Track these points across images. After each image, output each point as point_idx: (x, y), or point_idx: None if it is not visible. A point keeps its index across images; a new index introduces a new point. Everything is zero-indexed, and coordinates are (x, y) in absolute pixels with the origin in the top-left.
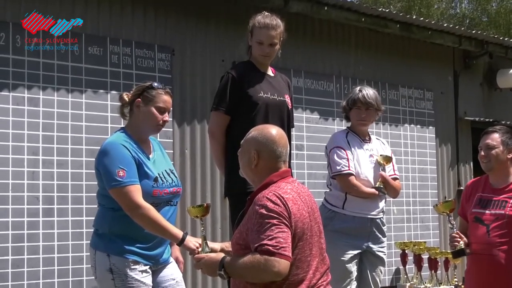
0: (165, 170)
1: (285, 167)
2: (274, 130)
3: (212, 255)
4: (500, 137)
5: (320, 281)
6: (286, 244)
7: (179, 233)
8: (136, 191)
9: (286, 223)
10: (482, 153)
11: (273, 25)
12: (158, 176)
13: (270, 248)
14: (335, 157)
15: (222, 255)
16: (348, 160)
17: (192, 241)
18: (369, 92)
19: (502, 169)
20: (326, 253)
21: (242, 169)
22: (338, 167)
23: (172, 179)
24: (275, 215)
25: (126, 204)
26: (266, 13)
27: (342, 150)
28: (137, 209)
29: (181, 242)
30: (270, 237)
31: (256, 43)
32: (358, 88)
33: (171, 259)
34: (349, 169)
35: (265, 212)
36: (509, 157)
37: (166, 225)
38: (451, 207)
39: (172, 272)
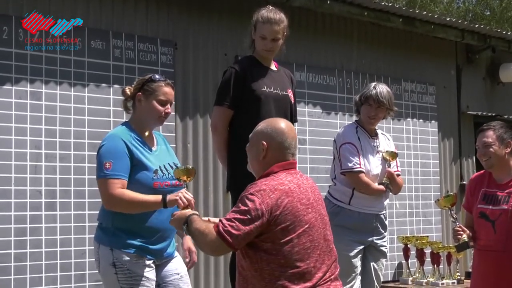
0: (168, 163)
1: (293, 159)
2: (283, 123)
3: (185, 211)
4: (495, 133)
5: (327, 274)
6: (235, 231)
7: (158, 197)
8: (117, 184)
9: (254, 215)
10: (480, 152)
11: (277, 20)
12: (158, 169)
13: (220, 225)
14: (347, 154)
15: (191, 212)
16: (359, 157)
17: (174, 195)
18: (383, 90)
19: (502, 165)
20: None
21: (250, 162)
22: (349, 164)
23: None
24: (248, 204)
25: (102, 196)
26: (271, 7)
27: (353, 146)
28: (111, 200)
29: (164, 204)
30: (228, 218)
31: (259, 37)
32: (373, 84)
33: (176, 253)
34: (360, 167)
35: (244, 198)
36: (507, 151)
37: (143, 198)
38: (452, 201)
39: (176, 267)
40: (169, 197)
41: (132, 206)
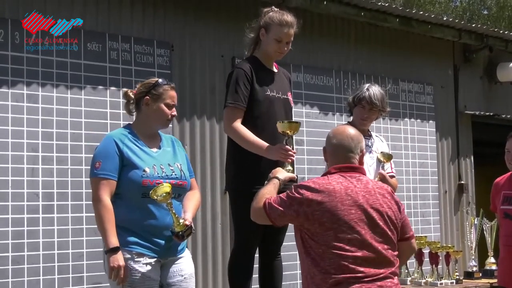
0: (168, 163)
1: (349, 163)
2: (348, 130)
3: (276, 171)
4: None
5: (371, 272)
6: (276, 205)
7: (113, 242)
8: (104, 185)
9: (294, 203)
10: (509, 156)
11: (292, 23)
12: (151, 167)
13: (267, 200)
14: None
15: (278, 178)
16: None
17: (118, 261)
18: (376, 92)
19: None
20: None
21: None
22: None
23: (173, 171)
24: (294, 193)
25: (92, 194)
26: (282, 10)
27: None
28: (95, 202)
29: (108, 251)
30: (276, 196)
31: (273, 40)
32: (366, 86)
33: (185, 253)
34: None
35: (292, 188)
36: None
37: (107, 228)
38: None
39: (181, 268)
40: (114, 257)
41: (98, 222)
